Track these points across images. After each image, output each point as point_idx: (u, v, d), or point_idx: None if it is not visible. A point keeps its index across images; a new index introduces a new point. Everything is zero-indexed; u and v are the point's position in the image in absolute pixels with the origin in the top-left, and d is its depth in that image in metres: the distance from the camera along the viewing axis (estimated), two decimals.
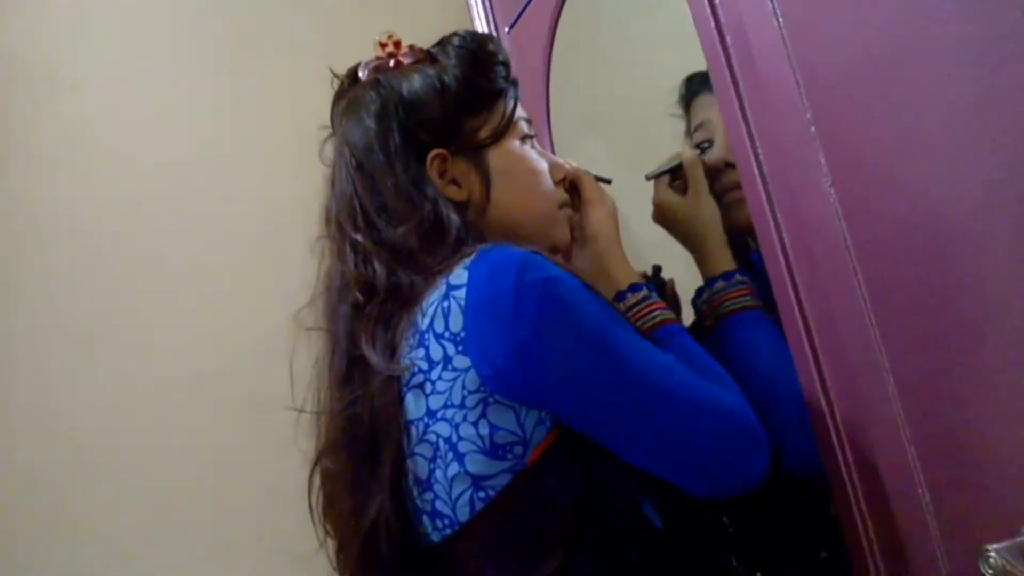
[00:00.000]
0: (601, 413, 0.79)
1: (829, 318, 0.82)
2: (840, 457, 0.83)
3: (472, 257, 0.82)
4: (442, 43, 1.01)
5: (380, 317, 0.85)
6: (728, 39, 0.90)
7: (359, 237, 0.89)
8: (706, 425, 0.80)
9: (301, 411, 0.91)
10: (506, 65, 1.00)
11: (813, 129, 0.80)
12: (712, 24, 0.91)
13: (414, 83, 0.95)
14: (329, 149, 1.00)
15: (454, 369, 0.78)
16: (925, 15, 0.69)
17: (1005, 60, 0.63)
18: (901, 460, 0.76)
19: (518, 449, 0.78)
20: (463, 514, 0.79)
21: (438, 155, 0.93)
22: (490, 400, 0.77)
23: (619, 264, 1.00)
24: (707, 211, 1.07)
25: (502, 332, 0.77)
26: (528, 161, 0.97)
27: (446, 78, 0.95)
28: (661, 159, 1.14)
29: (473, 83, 0.96)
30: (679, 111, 1.22)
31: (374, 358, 0.83)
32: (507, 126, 0.96)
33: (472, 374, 0.77)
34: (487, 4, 1.62)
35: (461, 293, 0.80)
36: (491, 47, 1.00)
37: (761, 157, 0.87)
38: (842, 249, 0.79)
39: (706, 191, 1.08)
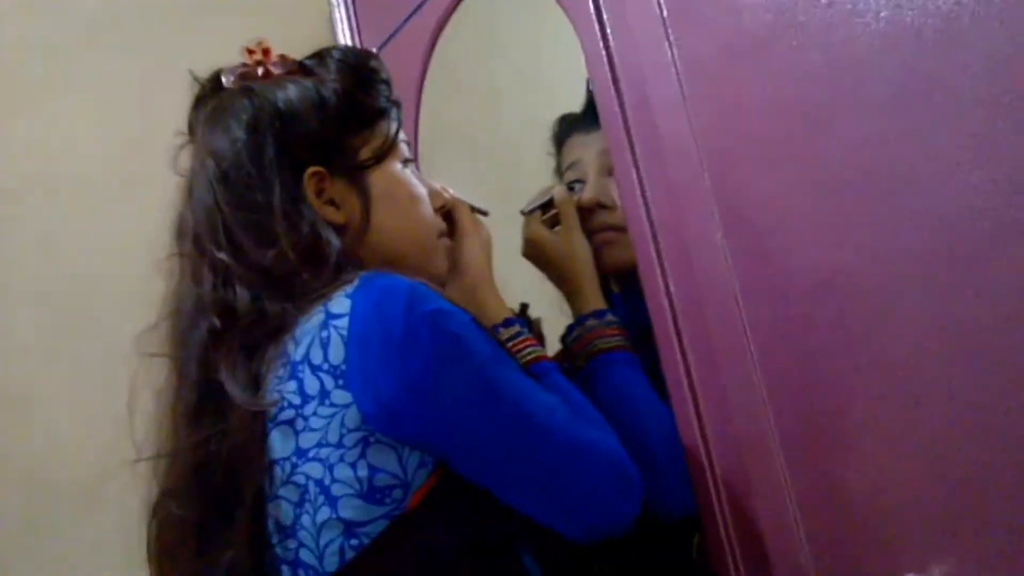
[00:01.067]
0: (487, 451, 0.75)
1: (713, 366, 0.83)
2: (716, 506, 0.83)
3: (354, 284, 0.76)
4: (319, 56, 0.95)
5: (243, 345, 0.78)
6: (622, 84, 0.90)
7: (222, 256, 0.81)
8: (583, 466, 0.78)
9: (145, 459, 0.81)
10: (388, 84, 0.95)
11: (707, 179, 0.81)
12: (607, 69, 0.91)
13: (290, 94, 0.88)
14: (184, 157, 0.91)
15: (332, 404, 0.72)
16: (824, 70, 0.71)
17: (899, 113, 0.66)
18: (780, 510, 0.77)
19: (398, 493, 0.72)
20: (331, 564, 0.73)
21: (316, 173, 0.86)
22: (371, 439, 0.72)
23: (491, 298, 0.97)
24: (579, 248, 1.06)
25: (391, 366, 0.72)
26: (410, 186, 0.93)
27: (325, 92, 0.89)
28: (532, 194, 1.12)
29: (355, 100, 0.90)
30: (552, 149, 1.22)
31: (235, 391, 0.75)
32: (390, 147, 0.91)
33: (353, 410, 0.72)
34: (352, 21, 1.56)
35: (343, 323, 0.74)
36: (374, 64, 0.95)
37: (651, 204, 0.87)
38: (730, 300, 0.80)
39: (578, 228, 1.08)
